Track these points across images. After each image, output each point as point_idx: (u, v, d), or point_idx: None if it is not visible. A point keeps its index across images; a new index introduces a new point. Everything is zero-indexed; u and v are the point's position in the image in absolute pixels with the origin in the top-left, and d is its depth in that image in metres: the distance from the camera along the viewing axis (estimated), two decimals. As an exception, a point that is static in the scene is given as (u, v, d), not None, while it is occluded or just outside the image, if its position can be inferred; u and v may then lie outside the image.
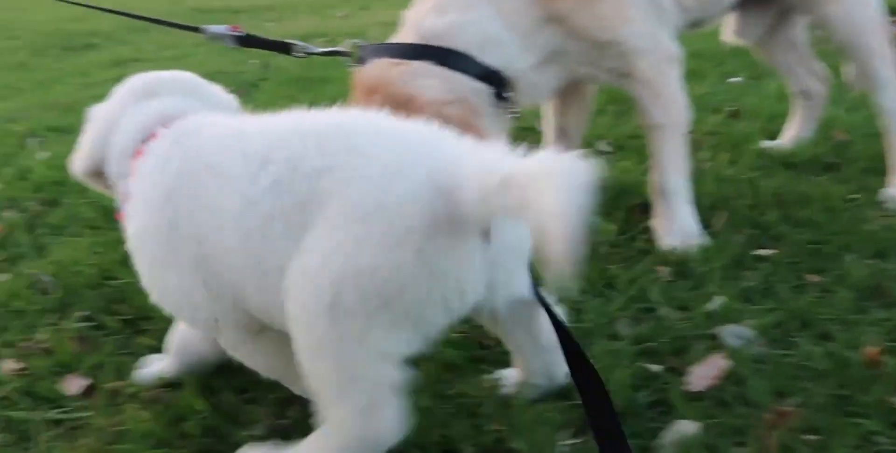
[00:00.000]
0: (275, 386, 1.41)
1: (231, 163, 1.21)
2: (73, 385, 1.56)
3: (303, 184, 1.13)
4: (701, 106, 1.99)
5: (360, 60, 1.88)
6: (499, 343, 1.59)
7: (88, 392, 1.54)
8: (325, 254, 1.08)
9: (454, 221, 1.06)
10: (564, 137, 2.30)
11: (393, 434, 1.14)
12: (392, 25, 1.97)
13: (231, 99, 1.52)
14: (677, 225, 1.95)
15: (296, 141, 1.18)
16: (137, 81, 1.46)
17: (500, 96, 1.85)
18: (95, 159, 1.41)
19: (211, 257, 1.22)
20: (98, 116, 1.43)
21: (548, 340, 1.31)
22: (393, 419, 1.14)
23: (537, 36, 1.85)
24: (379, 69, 1.80)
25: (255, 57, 4.87)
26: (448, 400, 1.42)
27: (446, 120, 1.68)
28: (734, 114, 2.91)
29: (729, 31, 2.44)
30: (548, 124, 2.31)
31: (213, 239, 1.21)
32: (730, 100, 3.11)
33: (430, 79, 1.76)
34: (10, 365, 1.65)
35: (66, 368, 1.62)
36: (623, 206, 2.17)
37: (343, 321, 1.07)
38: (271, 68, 4.70)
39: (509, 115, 1.90)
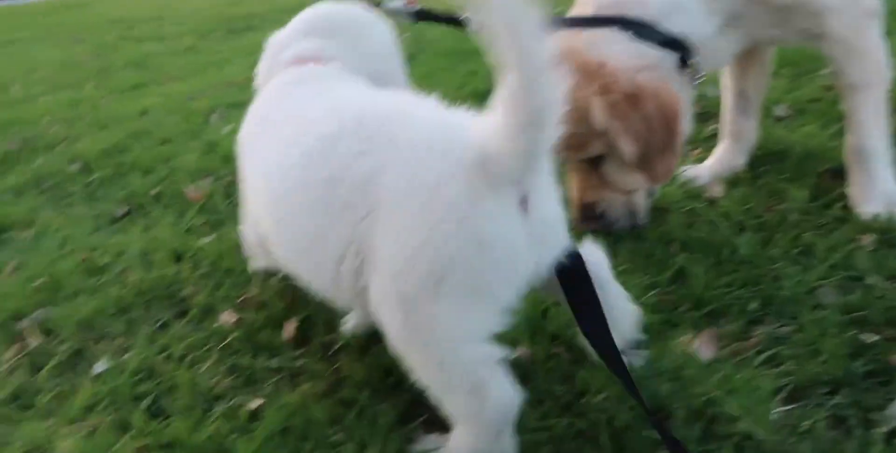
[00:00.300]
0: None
1: (277, 129, 1.34)
2: (288, 335, 1.70)
3: (335, 162, 1.17)
4: (893, 65, 1.85)
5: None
6: (692, 307, 1.58)
7: (302, 342, 1.68)
8: (384, 256, 1.10)
9: (491, 184, 1.05)
10: (744, 101, 2.22)
11: (510, 405, 1.14)
12: (530, -1, 1.96)
13: (390, 43, 1.67)
14: (878, 190, 1.84)
15: (334, 121, 1.23)
16: (307, 16, 1.63)
17: (683, 63, 1.81)
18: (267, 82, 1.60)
19: (251, 203, 1.43)
20: (272, 43, 1.64)
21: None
22: (503, 391, 1.13)
23: (721, 1, 1.79)
24: (563, 39, 1.80)
25: (407, 30, 4.97)
26: (647, 363, 1.43)
27: (641, 86, 1.67)
28: (931, 74, 2.68)
29: None
30: (726, 89, 2.23)
31: (251, 192, 1.43)
32: (923, 58, 2.86)
33: (617, 45, 1.75)
34: (229, 317, 1.83)
35: (278, 321, 1.76)
36: (812, 173, 2.07)
37: (414, 310, 1.08)
38: (424, 41, 4.79)
39: (694, 82, 1.86)
